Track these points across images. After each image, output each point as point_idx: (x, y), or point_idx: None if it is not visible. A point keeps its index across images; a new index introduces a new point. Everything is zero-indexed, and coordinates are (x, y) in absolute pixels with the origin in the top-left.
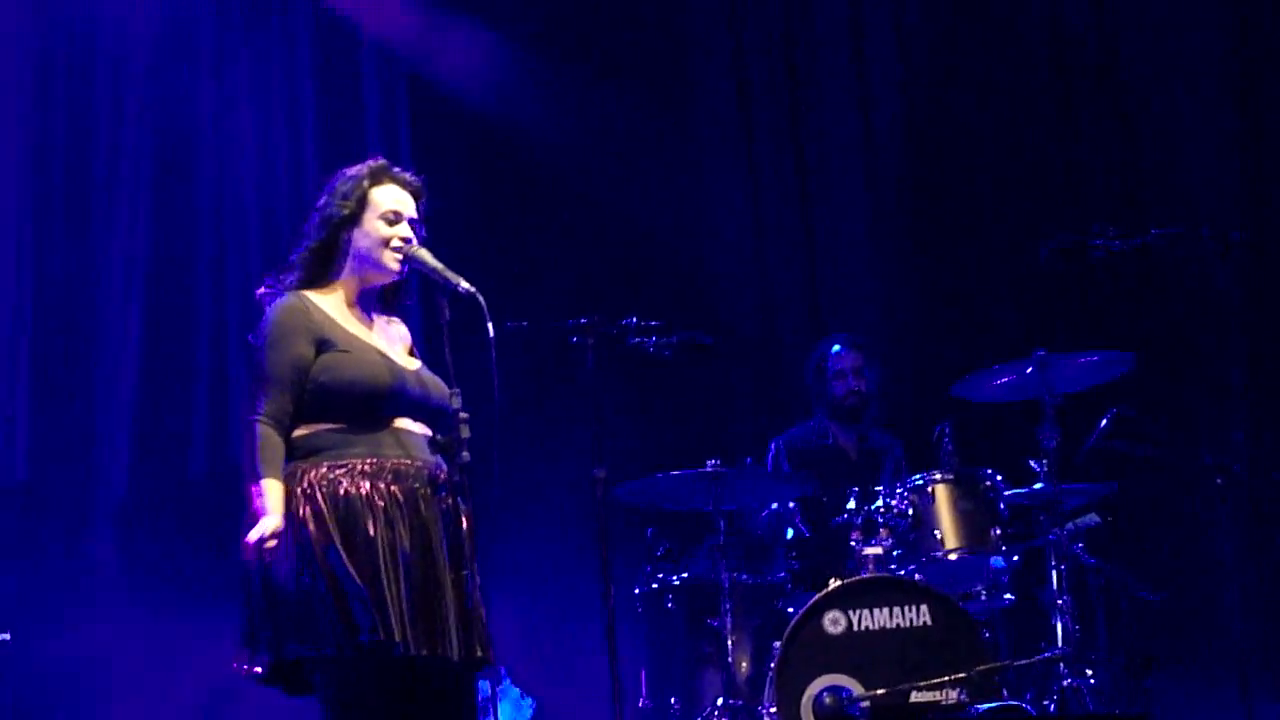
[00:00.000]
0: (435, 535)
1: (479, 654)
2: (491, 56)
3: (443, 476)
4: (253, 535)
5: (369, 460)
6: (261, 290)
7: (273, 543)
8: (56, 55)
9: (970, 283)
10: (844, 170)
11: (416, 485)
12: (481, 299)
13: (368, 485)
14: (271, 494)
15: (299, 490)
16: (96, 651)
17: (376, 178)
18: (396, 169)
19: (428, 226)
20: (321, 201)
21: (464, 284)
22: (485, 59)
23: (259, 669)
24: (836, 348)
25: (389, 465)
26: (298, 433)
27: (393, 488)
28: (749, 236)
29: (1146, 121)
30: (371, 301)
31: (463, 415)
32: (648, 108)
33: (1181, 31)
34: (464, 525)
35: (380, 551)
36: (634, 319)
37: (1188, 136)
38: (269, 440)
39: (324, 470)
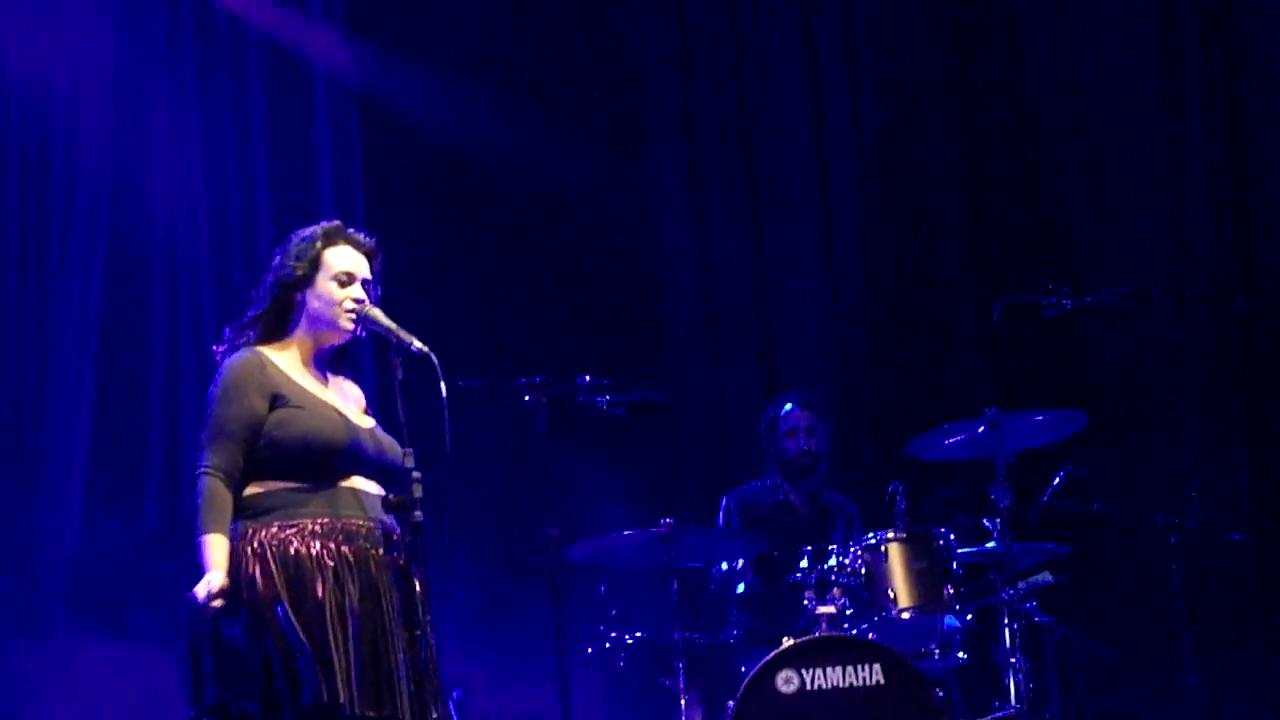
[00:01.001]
0: (386, 596)
1: (431, 715)
2: (445, 97)
3: (395, 536)
4: (199, 591)
5: (320, 520)
6: (218, 346)
7: (218, 601)
8: (11, 106)
9: (924, 341)
10: (798, 228)
11: (368, 545)
12: (435, 358)
13: (318, 545)
14: (215, 550)
15: (249, 549)
16: (45, 710)
17: (330, 239)
18: (350, 230)
19: (383, 283)
20: (276, 261)
21: (417, 343)
22: (439, 99)
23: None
24: (789, 406)
25: (340, 525)
26: (249, 490)
27: (343, 548)
28: (700, 289)
29: (1109, 178)
30: (326, 360)
31: (415, 475)
32: (602, 154)
33: (1144, 84)
34: (416, 586)
35: (329, 612)
36: (585, 377)
37: (1153, 192)
38: (215, 493)
39: (274, 529)
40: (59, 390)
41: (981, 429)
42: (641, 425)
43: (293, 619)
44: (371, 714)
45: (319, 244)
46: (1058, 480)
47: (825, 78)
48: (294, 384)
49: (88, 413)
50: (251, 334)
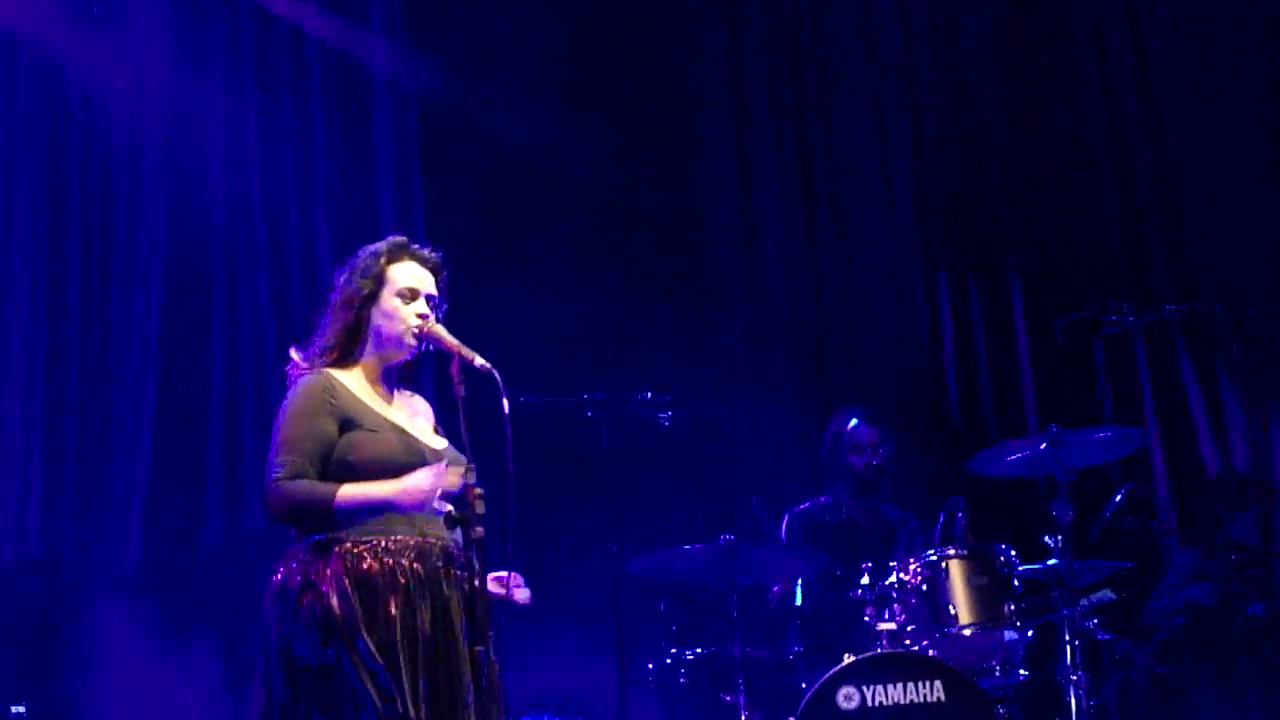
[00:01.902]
0: (455, 613)
1: None
2: (504, 101)
3: (460, 554)
4: (428, 482)
5: (392, 539)
6: (288, 367)
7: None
8: (73, 123)
9: (986, 358)
10: (860, 243)
11: (439, 564)
12: (497, 375)
13: (390, 562)
14: (357, 489)
15: (323, 565)
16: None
17: (395, 255)
18: (415, 246)
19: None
20: (341, 279)
21: (479, 360)
22: (499, 104)
23: None
24: (854, 422)
25: (412, 543)
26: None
27: (415, 565)
28: (756, 302)
29: (1189, 197)
30: (393, 378)
31: (477, 490)
32: (658, 161)
33: (1218, 100)
34: (480, 603)
35: (399, 630)
36: (648, 394)
37: (1233, 212)
38: (301, 482)
39: (348, 546)
40: (122, 402)
41: (1043, 446)
42: (701, 441)
43: (365, 636)
44: None
45: (383, 260)
46: (1119, 497)
47: (887, 92)
48: (364, 406)
49: (149, 425)
50: (318, 354)
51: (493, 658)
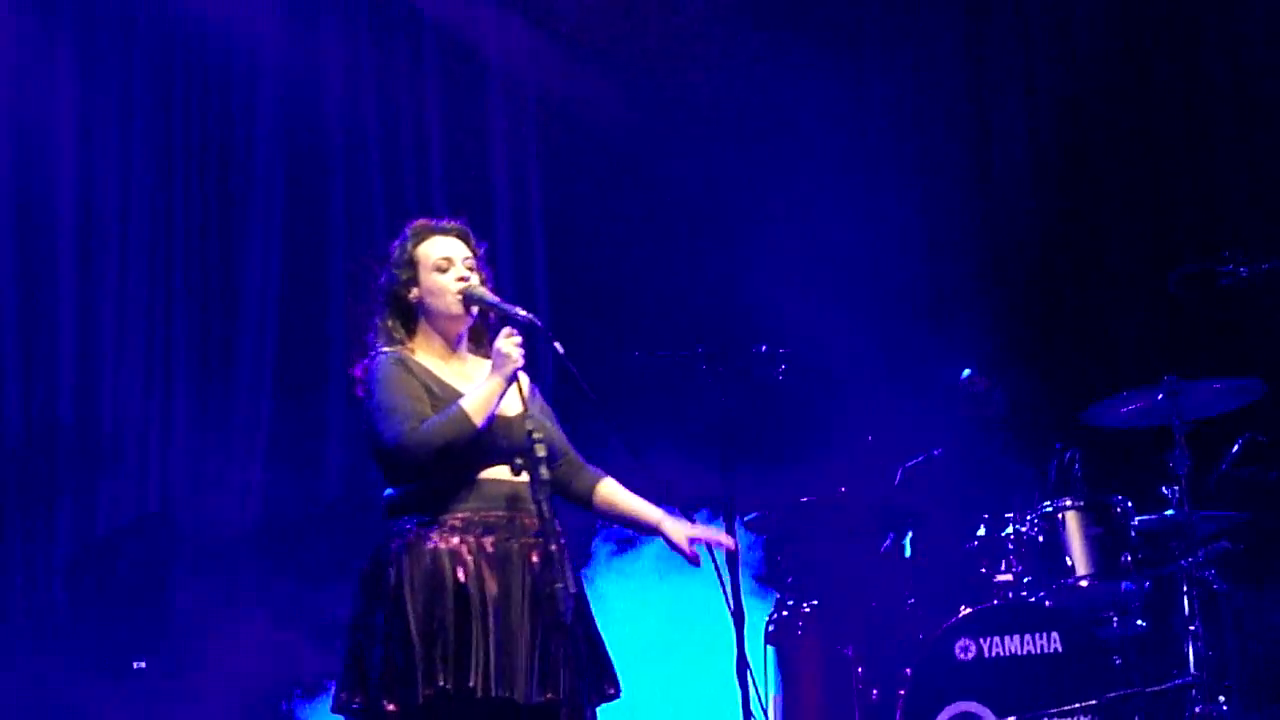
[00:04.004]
0: (522, 586)
1: (603, 692)
2: (616, 81)
3: (532, 523)
4: (507, 346)
5: (459, 515)
6: (359, 365)
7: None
8: (194, 83)
9: (1100, 309)
10: (967, 200)
11: (507, 536)
12: (538, 323)
13: (456, 539)
14: (472, 391)
15: (393, 546)
16: (237, 679)
17: (419, 236)
18: (435, 221)
19: (513, 259)
20: (383, 275)
21: (521, 311)
22: (611, 84)
23: (355, 706)
24: (967, 372)
25: (479, 518)
26: (395, 495)
27: (483, 539)
28: (867, 267)
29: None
30: (461, 348)
31: (535, 436)
32: (761, 141)
33: None
34: (554, 541)
35: (465, 602)
36: (762, 347)
37: None
38: (428, 425)
39: (415, 525)
40: (243, 353)
41: (1160, 396)
42: (812, 396)
43: (419, 614)
44: (503, 694)
45: (410, 244)
46: (1236, 448)
47: (993, 57)
48: (438, 380)
49: (269, 377)
50: (384, 342)
51: (572, 590)
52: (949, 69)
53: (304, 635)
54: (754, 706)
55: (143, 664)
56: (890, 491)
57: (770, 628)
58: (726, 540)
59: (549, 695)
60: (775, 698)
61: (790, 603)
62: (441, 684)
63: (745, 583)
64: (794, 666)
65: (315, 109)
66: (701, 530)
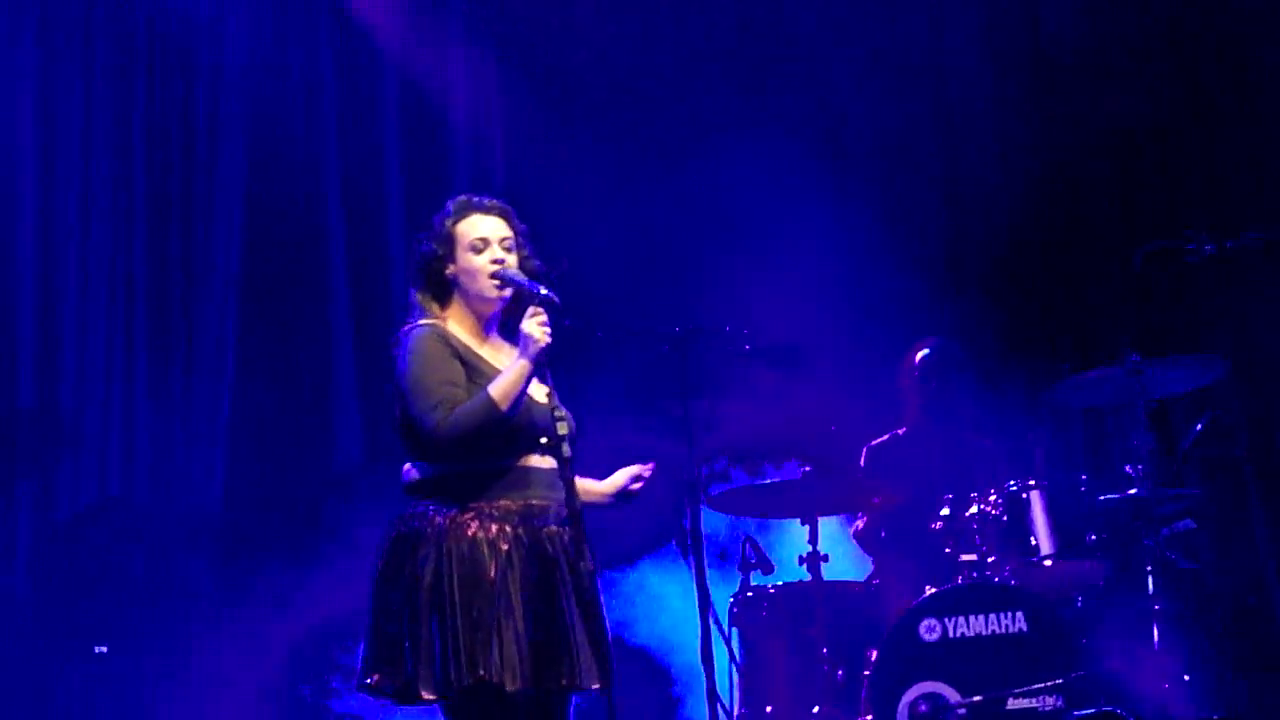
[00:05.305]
0: (559, 572)
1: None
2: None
3: (561, 507)
4: (541, 335)
5: (497, 503)
6: (394, 340)
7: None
8: (156, 66)
9: (1066, 287)
10: (933, 182)
11: (542, 524)
12: (556, 300)
13: (495, 528)
14: (500, 377)
15: (428, 530)
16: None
17: (460, 213)
18: (478, 199)
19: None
20: (422, 248)
21: (543, 289)
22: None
23: (386, 690)
24: (928, 351)
25: (516, 506)
26: (426, 475)
27: (519, 529)
28: (833, 243)
29: (1256, 120)
30: (494, 328)
31: (558, 413)
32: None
33: None
34: (586, 551)
35: (504, 592)
36: (728, 327)
37: None
38: (457, 413)
39: (453, 513)
40: (205, 335)
41: (1123, 374)
42: (781, 375)
43: (469, 600)
44: (538, 687)
45: (449, 221)
46: (1200, 426)
47: (950, 24)
48: (475, 355)
49: (231, 359)
50: (419, 315)
51: (590, 568)
52: (915, 51)
53: (267, 618)
54: (719, 687)
55: (104, 648)
56: (856, 471)
57: (734, 609)
58: (644, 469)
59: (596, 683)
60: (739, 679)
61: (754, 583)
62: (482, 674)
63: (709, 564)
64: (758, 647)
65: (278, 92)
66: (624, 475)
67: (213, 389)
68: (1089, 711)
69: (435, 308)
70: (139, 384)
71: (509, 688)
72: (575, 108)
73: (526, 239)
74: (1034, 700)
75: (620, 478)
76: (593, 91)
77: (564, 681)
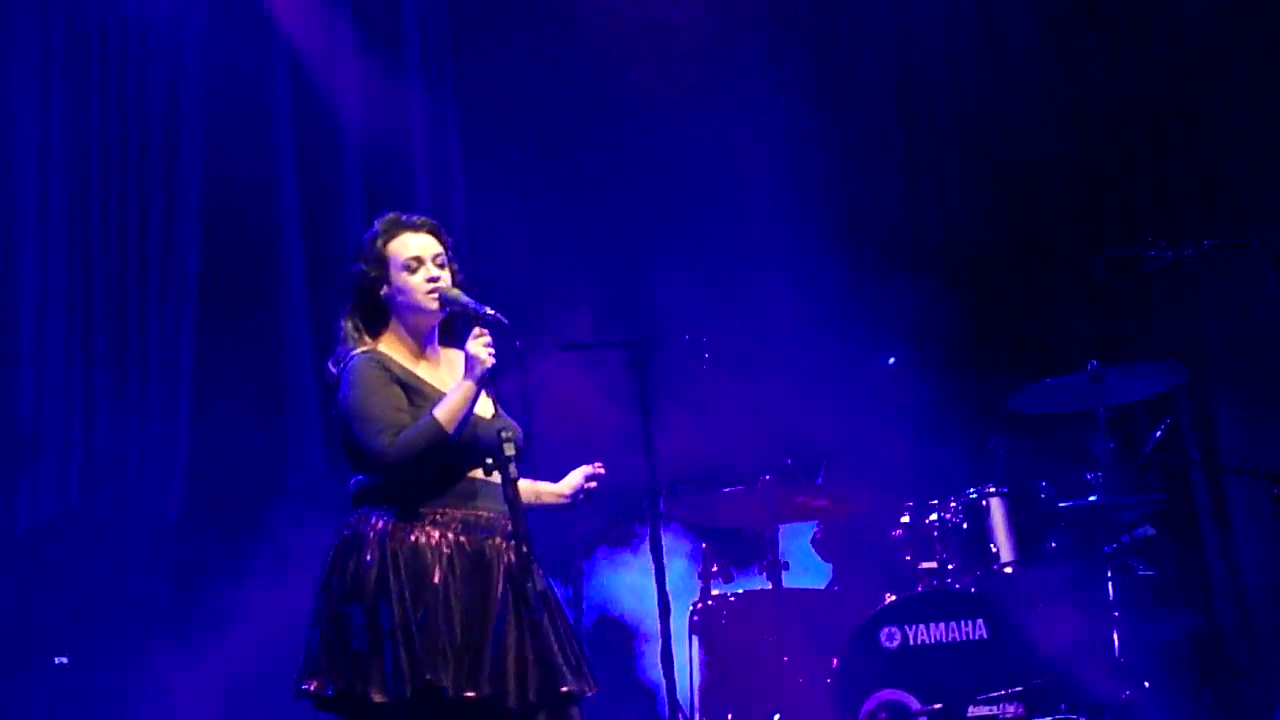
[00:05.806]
0: (499, 584)
1: (563, 689)
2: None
3: (506, 523)
4: (485, 355)
5: (439, 512)
6: (330, 362)
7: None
8: (112, 67)
9: (1024, 296)
10: (893, 187)
11: (486, 536)
12: (506, 321)
13: (437, 535)
14: (445, 398)
15: (370, 534)
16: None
17: (389, 232)
18: (406, 217)
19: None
20: (352, 269)
21: (489, 310)
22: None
23: (326, 693)
24: (891, 360)
25: (459, 516)
26: (374, 483)
27: (461, 537)
28: (789, 254)
29: (1212, 129)
30: (433, 341)
31: (504, 434)
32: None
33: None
34: (525, 542)
35: (443, 600)
36: (685, 336)
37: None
38: (403, 435)
39: (395, 520)
40: (163, 344)
41: (1084, 382)
42: (741, 383)
43: (409, 607)
44: (471, 694)
45: (379, 241)
46: (1159, 433)
47: (917, 32)
48: (415, 377)
49: (189, 366)
50: (355, 342)
51: (539, 588)
52: (875, 46)
53: (228, 631)
54: (679, 696)
55: (64, 659)
56: (815, 479)
57: (694, 617)
58: (596, 468)
59: (531, 698)
60: (699, 687)
61: (715, 591)
62: (429, 679)
63: (670, 572)
64: (718, 656)
65: (235, 105)
66: (578, 475)
67: (171, 401)
68: (1049, 718)
69: (366, 339)
70: (98, 397)
71: (464, 693)
72: (527, 121)
73: (456, 252)
74: (994, 707)
75: (575, 477)
76: (545, 103)
77: (485, 692)
